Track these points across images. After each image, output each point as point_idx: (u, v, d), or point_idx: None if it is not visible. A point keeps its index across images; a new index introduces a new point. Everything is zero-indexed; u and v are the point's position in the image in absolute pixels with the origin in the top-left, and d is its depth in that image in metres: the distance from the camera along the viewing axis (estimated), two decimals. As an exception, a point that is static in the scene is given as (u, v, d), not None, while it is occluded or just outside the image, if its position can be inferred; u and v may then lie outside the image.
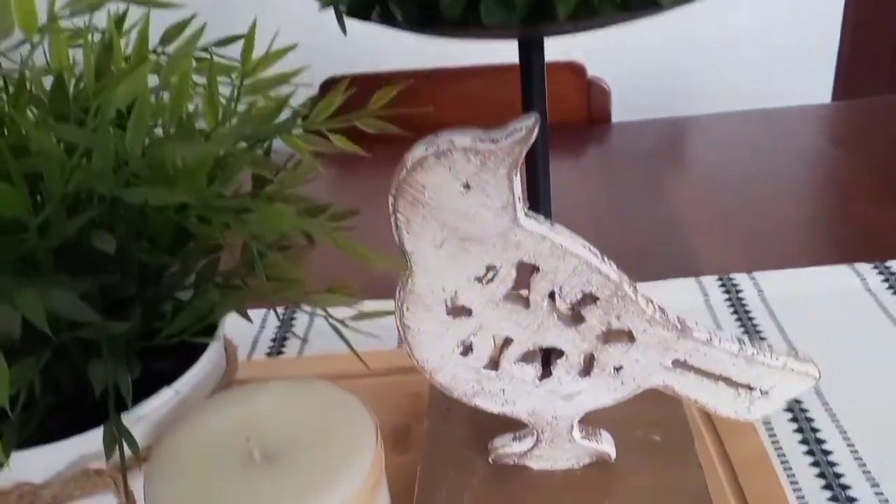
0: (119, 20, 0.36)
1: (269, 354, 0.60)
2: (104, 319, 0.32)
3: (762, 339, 0.56)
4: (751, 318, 0.58)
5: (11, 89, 0.31)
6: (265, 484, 0.30)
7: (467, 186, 0.31)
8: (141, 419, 0.33)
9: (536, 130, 0.30)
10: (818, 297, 0.60)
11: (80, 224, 0.31)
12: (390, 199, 0.32)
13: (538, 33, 0.29)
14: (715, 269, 0.65)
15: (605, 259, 0.34)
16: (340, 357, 0.48)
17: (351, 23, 0.30)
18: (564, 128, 0.95)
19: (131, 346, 0.34)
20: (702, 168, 0.86)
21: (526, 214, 0.33)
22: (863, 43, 1.97)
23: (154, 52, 0.38)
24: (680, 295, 0.61)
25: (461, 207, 0.32)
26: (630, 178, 0.85)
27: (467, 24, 0.23)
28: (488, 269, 0.33)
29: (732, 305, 0.60)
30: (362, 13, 0.26)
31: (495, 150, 0.30)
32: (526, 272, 0.33)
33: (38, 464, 0.32)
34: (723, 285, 0.62)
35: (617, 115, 1.04)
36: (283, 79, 0.36)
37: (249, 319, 0.37)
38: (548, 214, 0.34)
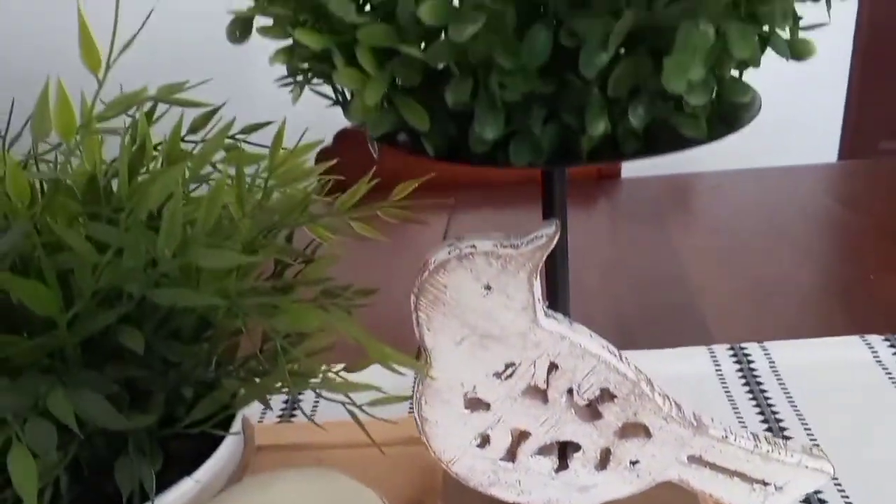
0: (150, 112, 0.37)
1: (280, 417, 0.60)
2: (129, 412, 0.32)
3: (774, 412, 0.56)
4: (763, 391, 0.58)
5: (46, 190, 0.32)
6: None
7: (488, 288, 0.32)
8: (161, 510, 0.34)
9: (556, 238, 0.31)
10: (828, 369, 0.60)
11: (109, 321, 0.32)
12: (412, 298, 0.33)
13: (562, 169, 0.29)
14: (724, 330, 0.65)
15: (624, 358, 0.34)
16: (354, 424, 0.48)
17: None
18: (575, 182, 0.96)
19: (154, 436, 0.35)
20: (710, 225, 0.87)
21: (546, 314, 0.33)
22: (869, 103, 1.98)
23: (183, 139, 0.39)
24: (692, 364, 0.61)
25: (482, 307, 0.32)
26: (640, 235, 0.85)
27: (495, 160, 0.24)
28: (507, 365, 0.34)
29: (744, 376, 0.60)
30: (390, 139, 0.27)
31: (516, 256, 0.31)
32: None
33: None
34: (734, 355, 0.62)
35: (626, 171, 1.05)
36: (309, 173, 0.37)
37: (269, 407, 0.38)
38: (566, 312, 0.35)
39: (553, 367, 0.34)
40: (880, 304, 0.68)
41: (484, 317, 0.33)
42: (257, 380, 0.37)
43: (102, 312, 0.32)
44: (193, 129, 0.39)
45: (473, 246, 0.31)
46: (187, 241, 0.30)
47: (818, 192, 0.90)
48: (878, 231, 0.81)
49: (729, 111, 0.25)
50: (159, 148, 0.38)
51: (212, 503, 0.34)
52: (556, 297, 0.34)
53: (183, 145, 0.39)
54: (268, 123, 0.41)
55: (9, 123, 0.40)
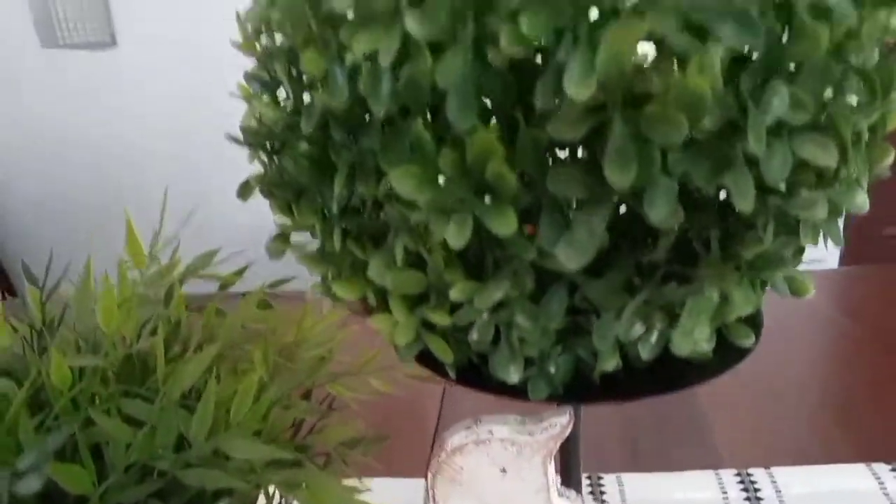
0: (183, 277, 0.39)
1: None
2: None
3: (781, 546, 0.57)
4: (769, 522, 0.59)
5: (85, 373, 0.33)
6: None
7: (504, 471, 0.33)
8: None
9: (570, 428, 0.32)
10: (834, 499, 0.60)
11: (139, 497, 0.33)
12: (428, 476, 0.34)
13: (578, 405, 0.31)
14: (732, 450, 0.66)
15: (633, 535, 0.35)
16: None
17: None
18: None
19: None
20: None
21: (559, 493, 0.34)
22: (872, 190, 2.01)
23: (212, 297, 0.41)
24: (699, 490, 0.62)
25: (497, 488, 0.34)
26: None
27: (515, 391, 0.26)
28: (520, 541, 0.35)
29: (751, 505, 0.60)
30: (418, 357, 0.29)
31: (532, 443, 0.33)
32: None
33: None
34: (741, 481, 0.63)
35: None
36: (332, 336, 0.38)
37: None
38: (579, 490, 0.36)
39: (565, 543, 0.35)
40: (889, 430, 0.69)
41: (499, 497, 0.34)
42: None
43: (133, 487, 0.33)
44: (223, 287, 0.41)
45: (490, 431, 0.33)
46: (218, 425, 0.32)
47: (821, 302, 0.92)
48: (881, 343, 0.82)
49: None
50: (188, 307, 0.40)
51: None
52: (570, 475, 0.36)
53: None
54: (292, 278, 0.43)
55: (46, 275, 0.42)
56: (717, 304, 0.23)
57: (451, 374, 0.27)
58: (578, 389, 0.26)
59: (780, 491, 0.62)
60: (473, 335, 0.24)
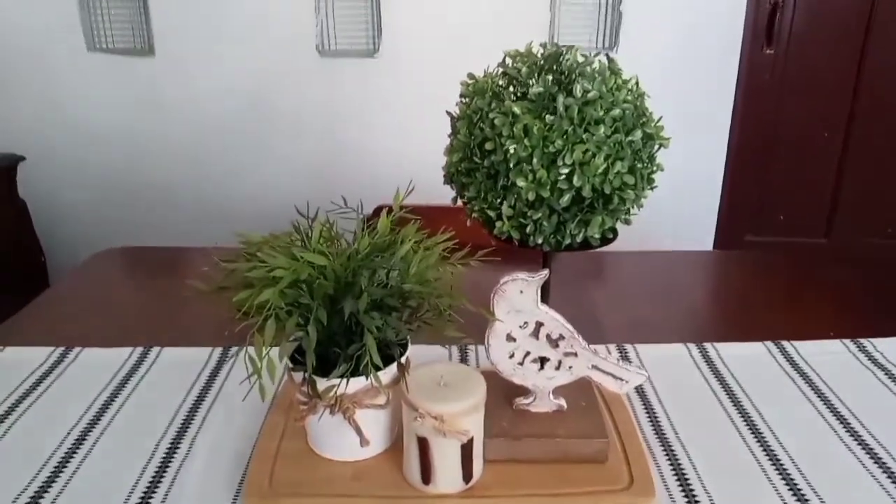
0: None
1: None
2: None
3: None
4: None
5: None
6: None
7: (522, 292, 0.87)
8: None
9: (547, 276, 0.85)
10: (668, 361, 1.16)
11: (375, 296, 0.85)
12: (492, 295, 0.87)
13: (553, 254, 0.85)
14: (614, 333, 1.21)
15: (569, 324, 0.89)
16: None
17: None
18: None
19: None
20: (618, 283, 1.43)
21: (540, 303, 0.88)
22: (737, 205, 2.65)
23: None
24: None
25: (517, 299, 0.87)
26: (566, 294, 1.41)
27: (522, 244, 0.79)
28: (525, 323, 0.88)
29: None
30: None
31: (534, 280, 0.86)
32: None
33: None
34: (619, 349, 1.18)
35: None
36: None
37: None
38: (548, 303, 0.89)
39: (541, 324, 0.88)
40: (697, 319, 1.25)
41: (517, 303, 0.87)
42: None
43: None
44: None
45: (519, 276, 0.86)
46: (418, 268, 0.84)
47: (694, 273, 1.49)
48: (729, 303, 1.39)
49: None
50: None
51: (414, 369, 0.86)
52: (546, 298, 0.89)
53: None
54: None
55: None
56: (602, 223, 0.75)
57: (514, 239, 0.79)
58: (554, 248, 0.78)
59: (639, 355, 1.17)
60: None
